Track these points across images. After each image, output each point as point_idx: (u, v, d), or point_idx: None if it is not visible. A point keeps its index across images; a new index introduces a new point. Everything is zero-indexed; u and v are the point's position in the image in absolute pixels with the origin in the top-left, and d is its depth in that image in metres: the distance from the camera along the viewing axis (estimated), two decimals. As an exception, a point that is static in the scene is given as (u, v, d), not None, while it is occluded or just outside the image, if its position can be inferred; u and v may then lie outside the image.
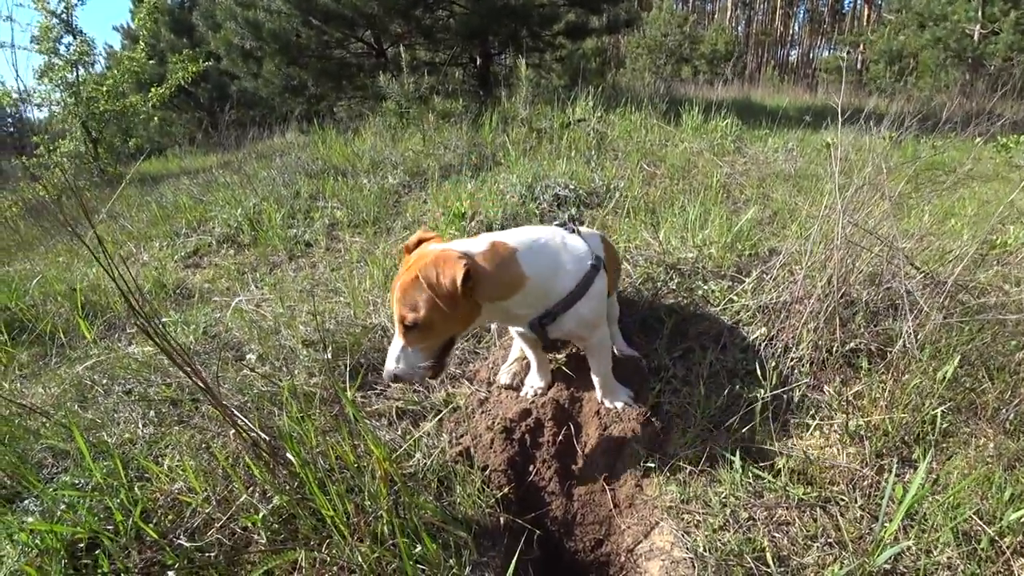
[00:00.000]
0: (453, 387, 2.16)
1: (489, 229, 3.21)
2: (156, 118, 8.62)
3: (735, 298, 2.49)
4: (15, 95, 7.83)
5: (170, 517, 1.53)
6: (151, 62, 8.67)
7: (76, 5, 8.04)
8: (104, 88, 8.03)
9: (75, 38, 8.08)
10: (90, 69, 8.25)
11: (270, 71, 7.37)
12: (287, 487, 1.39)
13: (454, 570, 1.31)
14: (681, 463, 1.75)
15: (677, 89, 12.78)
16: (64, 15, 7.98)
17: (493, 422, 1.89)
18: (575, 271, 1.66)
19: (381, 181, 4.26)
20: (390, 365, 1.46)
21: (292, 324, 2.37)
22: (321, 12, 7.01)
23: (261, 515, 1.43)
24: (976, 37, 13.91)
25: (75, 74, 8.05)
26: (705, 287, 2.59)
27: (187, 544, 1.44)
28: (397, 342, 1.47)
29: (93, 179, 7.26)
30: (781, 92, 15.07)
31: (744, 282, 2.60)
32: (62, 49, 8.02)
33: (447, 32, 7.51)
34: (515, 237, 1.65)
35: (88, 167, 7.69)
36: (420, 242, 1.62)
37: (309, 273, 3.10)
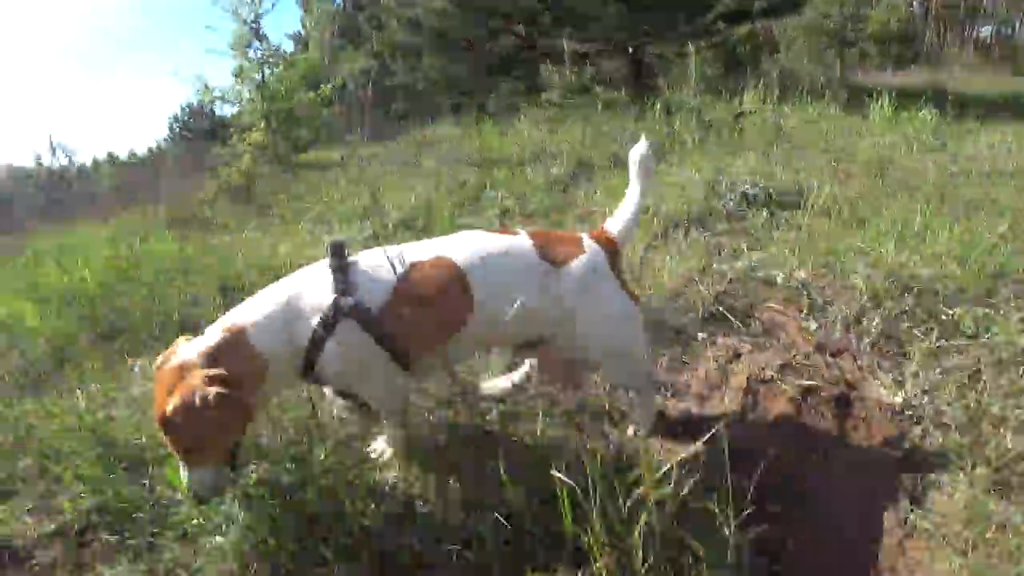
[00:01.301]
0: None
1: (676, 226, 3.00)
2: (325, 111, 9.45)
3: (995, 329, 2.07)
4: (216, 94, 9.03)
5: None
6: (321, 62, 9.51)
7: (263, 15, 9.04)
8: (282, 87, 8.96)
9: (262, 43, 9.10)
10: (275, 70, 9.25)
11: (429, 65, 7.72)
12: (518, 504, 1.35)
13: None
14: (956, 526, 1.46)
15: (846, 75, 11.43)
16: (254, 23, 9.01)
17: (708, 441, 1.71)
18: (306, 329, 1.45)
19: (546, 172, 4.21)
20: (191, 491, 1.38)
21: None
22: (478, 7, 7.18)
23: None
24: None
25: (262, 74, 9.07)
26: (950, 312, 2.18)
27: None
28: (183, 469, 1.37)
29: (274, 166, 8.14)
30: (977, 75, 12.86)
31: (1001, 310, 2.17)
32: (251, 53, 9.09)
33: (600, 21, 7.33)
34: (248, 311, 1.47)
35: (270, 155, 8.63)
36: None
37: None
